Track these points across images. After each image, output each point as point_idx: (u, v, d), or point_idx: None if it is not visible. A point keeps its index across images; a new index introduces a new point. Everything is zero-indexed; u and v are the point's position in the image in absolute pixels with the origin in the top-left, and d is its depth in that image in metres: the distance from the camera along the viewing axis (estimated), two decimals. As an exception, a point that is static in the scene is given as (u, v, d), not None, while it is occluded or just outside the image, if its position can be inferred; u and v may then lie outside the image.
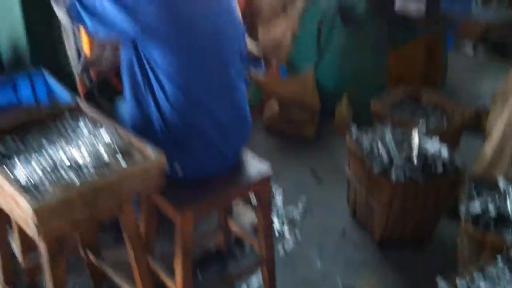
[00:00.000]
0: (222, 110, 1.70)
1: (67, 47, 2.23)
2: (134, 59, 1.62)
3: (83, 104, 1.74)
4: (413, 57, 3.66)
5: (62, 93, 2.12)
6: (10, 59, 2.78)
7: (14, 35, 2.61)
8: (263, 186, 1.83)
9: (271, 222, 2.01)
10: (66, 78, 2.39)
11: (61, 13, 1.68)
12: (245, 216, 2.38)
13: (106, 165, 1.43)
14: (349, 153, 2.48)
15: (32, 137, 1.60)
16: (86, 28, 1.62)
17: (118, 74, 1.91)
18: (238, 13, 1.80)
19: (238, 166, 1.85)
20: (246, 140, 1.86)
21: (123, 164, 1.43)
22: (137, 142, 1.52)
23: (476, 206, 1.90)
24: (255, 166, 1.86)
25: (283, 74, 3.77)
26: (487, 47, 5.09)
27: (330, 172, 3.00)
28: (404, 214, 2.25)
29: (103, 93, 2.23)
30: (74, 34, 2.08)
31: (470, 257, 1.90)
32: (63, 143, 1.55)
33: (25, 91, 2.24)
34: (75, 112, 1.71)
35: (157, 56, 1.57)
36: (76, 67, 2.28)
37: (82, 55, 2.09)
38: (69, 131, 1.63)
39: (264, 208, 1.88)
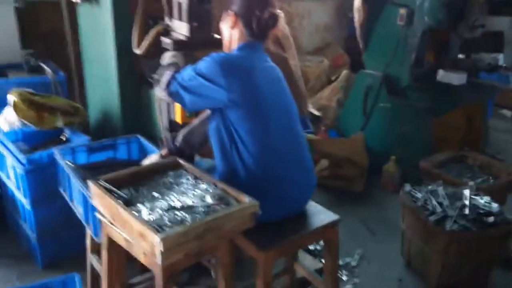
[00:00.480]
0: (293, 160, 2.03)
1: (158, 115, 2.64)
2: (221, 123, 2.00)
3: (183, 161, 2.10)
4: (454, 124, 3.95)
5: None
6: (100, 125, 3.25)
7: (108, 104, 3.08)
8: (332, 231, 2.10)
9: (338, 266, 2.25)
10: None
11: (159, 91, 2.09)
12: (305, 262, 2.64)
13: (210, 207, 1.75)
14: (403, 207, 2.72)
15: (144, 189, 1.93)
16: (183, 103, 2.02)
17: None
18: None
19: (307, 214, 2.13)
20: (312, 188, 2.15)
21: (225, 207, 1.75)
22: (232, 191, 1.84)
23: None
24: (323, 213, 2.14)
25: (332, 135, 4.13)
26: None
27: (382, 224, 3.24)
28: (459, 262, 2.44)
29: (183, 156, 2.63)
30: (168, 106, 2.50)
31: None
32: (172, 192, 1.88)
33: (122, 152, 2.65)
34: (177, 169, 2.07)
35: (240, 120, 1.94)
36: (163, 132, 2.68)
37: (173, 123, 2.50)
38: (173, 184, 1.96)
39: (333, 252, 2.13)
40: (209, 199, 1.78)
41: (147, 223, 1.64)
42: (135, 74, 2.90)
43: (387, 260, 2.89)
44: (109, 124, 3.12)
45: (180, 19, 2.42)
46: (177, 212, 1.71)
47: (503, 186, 2.96)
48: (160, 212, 1.71)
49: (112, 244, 1.98)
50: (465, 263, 2.46)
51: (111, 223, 1.85)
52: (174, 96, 2.04)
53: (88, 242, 2.42)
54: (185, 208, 1.73)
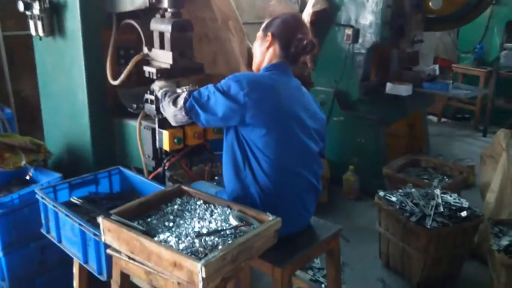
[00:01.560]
0: (303, 177, 2.09)
1: (140, 145, 2.62)
2: (235, 141, 2.02)
3: (186, 187, 2.10)
4: (398, 132, 4.30)
5: (143, 183, 2.48)
6: (65, 161, 3.11)
7: (75, 139, 2.97)
8: (335, 240, 2.21)
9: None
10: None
11: (172, 111, 2.10)
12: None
13: (237, 229, 1.77)
14: (379, 211, 2.91)
15: (153, 220, 1.88)
16: (198, 119, 2.02)
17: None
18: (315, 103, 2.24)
19: (311, 227, 2.22)
20: (315, 202, 2.23)
21: (249, 227, 1.78)
22: (249, 210, 1.88)
23: (504, 240, 2.36)
24: (324, 225, 2.24)
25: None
26: (448, 117, 6.03)
27: (352, 231, 3.38)
28: (439, 256, 2.66)
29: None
30: (153, 134, 2.49)
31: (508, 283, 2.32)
32: (187, 219, 1.88)
33: (104, 186, 2.57)
34: (183, 195, 2.06)
35: (255, 137, 1.97)
36: (145, 161, 2.66)
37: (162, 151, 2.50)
38: (184, 211, 1.95)
39: (336, 260, 2.24)
40: (233, 221, 1.81)
41: (181, 251, 1.64)
42: (106, 106, 2.84)
43: (367, 263, 3.07)
44: (77, 159, 3.00)
45: (162, 48, 2.43)
46: (206, 238, 1.72)
47: (459, 183, 3.27)
48: (189, 239, 1.71)
49: (126, 281, 1.93)
50: (443, 257, 2.68)
51: (130, 258, 1.81)
52: (190, 112, 2.03)
53: (76, 284, 2.31)
54: (213, 233, 1.74)
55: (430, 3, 3.97)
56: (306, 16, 4.01)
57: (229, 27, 2.95)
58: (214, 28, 2.88)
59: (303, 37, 2.08)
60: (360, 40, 3.80)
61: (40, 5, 2.74)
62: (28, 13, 2.80)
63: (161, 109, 2.25)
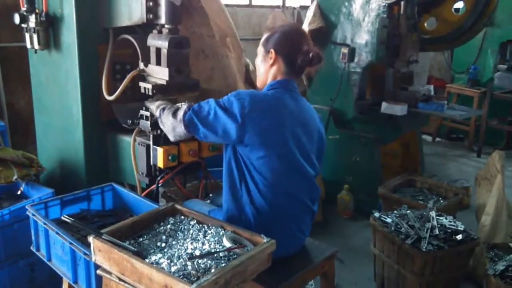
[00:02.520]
0: (298, 199, 2.06)
1: (134, 162, 2.58)
2: (233, 158, 2.00)
3: (179, 206, 2.07)
4: (392, 152, 4.29)
5: (136, 200, 2.44)
6: (56, 176, 3.07)
7: (67, 154, 2.93)
8: (330, 263, 2.18)
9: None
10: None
11: (171, 122, 2.06)
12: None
13: (231, 251, 1.74)
14: (374, 232, 2.88)
15: (144, 240, 1.85)
16: (197, 133, 1.99)
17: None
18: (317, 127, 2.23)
19: (305, 249, 2.19)
20: (311, 224, 2.20)
21: (243, 250, 1.75)
22: (243, 232, 1.85)
23: (500, 265, 2.34)
24: (319, 247, 2.21)
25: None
26: (442, 137, 6.05)
27: (346, 251, 3.35)
28: (434, 280, 2.62)
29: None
30: (148, 150, 2.46)
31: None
32: (180, 239, 1.84)
33: (96, 202, 2.53)
34: (176, 214, 2.03)
35: (253, 158, 1.95)
36: (138, 177, 2.62)
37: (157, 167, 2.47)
38: (177, 231, 1.92)
39: (330, 283, 2.21)
40: (226, 243, 1.78)
41: (173, 274, 1.60)
42: (101, 121, 2.80)
43: (361, 286, 3.02)
44: (70, 174, 2.96)
45: (158, 64, 2.41)
46: (199, 260, 1.68)
47: (454, 205, 3.26)
48: (182, 261, 1.67)
49: (116, 302, 1.88)
50: (438, 280, 2.65)
51: (120, 279, 1.76)
52: (189, 125, 1.99)
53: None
54: (205, 255, 1.71)
55: (425, 24, 4.00)
56: (303, 34, 4.01)
57: (226, 44, 2.94)
58: (211, 44, 2.87)
59: (309, 49, 2.03)
60: (355, 59, 3.81)
61: (36, 18, 2.72)
62: (24, 25, 2.78)
63: (160, 124, 2.19)
